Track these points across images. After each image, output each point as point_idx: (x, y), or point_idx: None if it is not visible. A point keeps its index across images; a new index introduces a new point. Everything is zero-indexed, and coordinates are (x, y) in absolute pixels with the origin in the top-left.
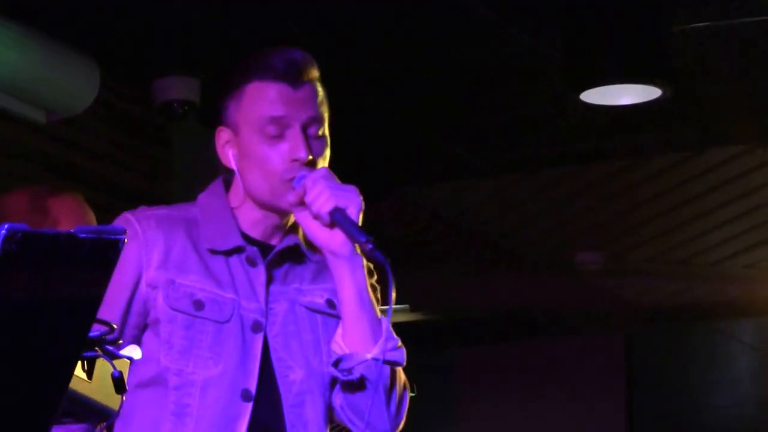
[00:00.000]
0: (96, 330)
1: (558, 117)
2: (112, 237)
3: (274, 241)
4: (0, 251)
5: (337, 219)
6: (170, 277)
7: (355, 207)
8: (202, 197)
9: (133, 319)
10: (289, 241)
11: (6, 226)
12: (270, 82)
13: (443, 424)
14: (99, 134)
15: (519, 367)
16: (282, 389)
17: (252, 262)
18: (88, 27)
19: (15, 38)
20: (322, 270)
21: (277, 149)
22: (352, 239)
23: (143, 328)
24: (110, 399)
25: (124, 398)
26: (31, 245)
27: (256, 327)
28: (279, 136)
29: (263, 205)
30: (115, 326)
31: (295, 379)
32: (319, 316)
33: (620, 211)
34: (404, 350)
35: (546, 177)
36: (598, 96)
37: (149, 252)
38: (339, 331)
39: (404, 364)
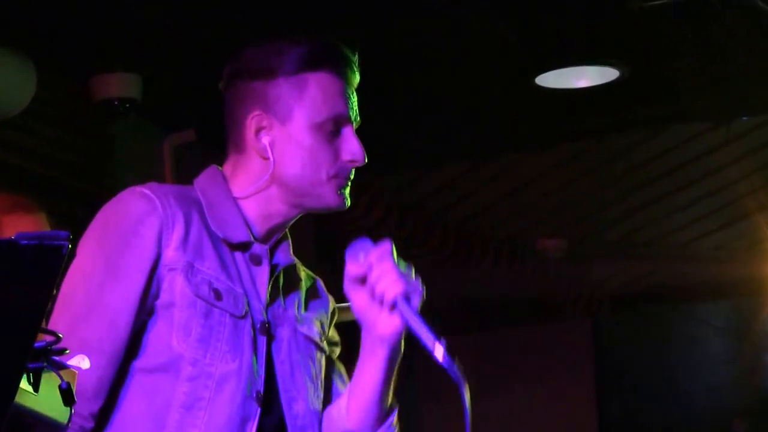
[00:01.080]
0: (41, 340)
1: (514, 101)
2: (55, 243)
3: (271, 241)
4: None
5: (401, 309)
6: (189, 260)
7: (419, 297)
8: (201, 182)
9: (145, 301)
10: (288, 257)
11: None
12: (335, 76)
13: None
14: (37, 134)
15: (485, 357)
16: (288, 420)
17: (257, 260)
18: (22, 24)
19: None
20: (311, 298)
21: (331, 145)
22: (420, 338)
23: (150, 311)
24: (58, 411)
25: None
26: None
27: (263, 328)
28: (335, 134)
29: (294, 198)
30: (60, 335)
31: (298, 412)
32: (314, 348)
33: (582, 195)
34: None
35: (504, 163)
36: (554, 79)
37: (169, 231)
38: (344, 402)
39: None
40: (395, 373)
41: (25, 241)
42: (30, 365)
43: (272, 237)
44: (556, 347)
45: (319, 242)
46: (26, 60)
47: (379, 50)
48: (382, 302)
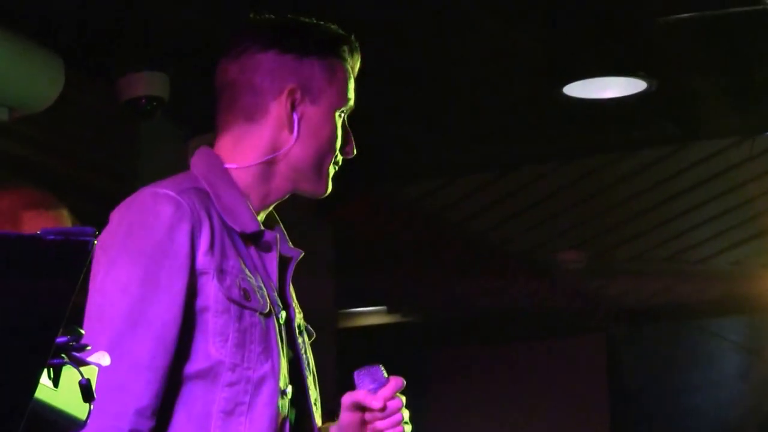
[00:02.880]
0: (63, 336)
1: (540, 112)
2: (81, 239)
3: (263, 219)
4: None
5: None
6: (218, 262)
7: None
8: (200, 169)
9: (187, 310)
10: (289, 248)
11: None
12: (350, 68)
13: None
14: (63, 132)
15: (500, 369)
16: (309, 405)
17: (267, 248)
18: (51, 22)
19: None
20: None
21: (337, 134)
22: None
23: (189, 317)
24: (77, 408)
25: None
26: None
27: (282, 319)
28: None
29: (295, 174)
30: (82, 332)
31: (314, 397)
32: (306, 330)
33: (602, 209)
34: None
35: (526, 174)
36: (581, 89)
37: (199, 233)
38: None
39: None
40: None
41: (51, 237)
42: (51, 361)
43: (264, 210)
44: (571, 361)
45: (338, 249)
46: (54, 57)
47: (405, 58)
48: None
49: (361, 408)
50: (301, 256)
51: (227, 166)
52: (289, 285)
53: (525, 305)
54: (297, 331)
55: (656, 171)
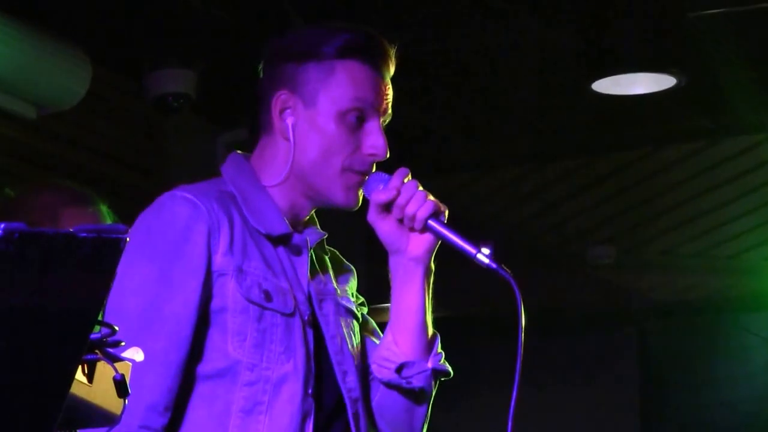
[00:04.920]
0: (97, 332)
1: (569, 107)
2: (114, 236)
3: (298, 228)
4: None
5: (435, 226)
6: (238, 263)
7: (444, 214)
8: (229, 173)
9: (201, 310)
10: (318, 233)
11: (2, 225)
12: (365, 66)
13: (453, 423)
14: (91, 129)
15: (531, 365)
16: (345, 395)
17: (297, 251)
18: (79, 19)
19: (4, 32)
20: (338, 270)
21: (353, 137)
22: (458, 249)
23: (205, 317)
24: (112, 403)
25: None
26: (29, 245)
27: (310, 321)
28: (358, 125)
29: (307, 188)
30: (116, 328)
31: (351, 385)
32: (353, 319)
33: (633, 204)
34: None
35: (556, 169)
36: (611, 85)
37: (217, 235)
38: (390, 337)
39: (451, 375)
40: (431, 296)
41: (84, 234)
42: (85, 357)
43: (298, 224)
44: (602, 356)
45: (369, 244)
46: (81, 54)
47: (437, 53)
48: (413, 224)
49: (386, 209)
50: (321, 237)
51: (264, 184)
52: (330, 277)
53: (556, 301)
54: (340, 321)
55: (688, 166)
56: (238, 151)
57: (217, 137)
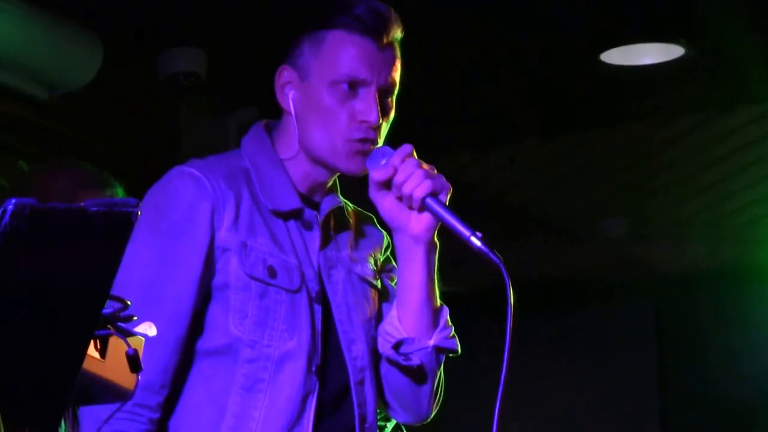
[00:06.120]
0: (109, 307)
1: (578, 78)
2: (125, 210)
3: (316, 198)
4: (7, 228)
5: (432, 206)
6: (242, 239)
7: (446, 192)
8: (248, 147)
9: (202, 287)
10: (334, 201)
11: (13, 201)
12: (356, 35)
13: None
14: (102, 109)
15: (546, 338)
16: (348, 364)
17: (308, 226)
18: (89, 0)
19: (16, 13)
20: (361, 237)
21: (346, 106)
22: (453, 231)
23: (207, 294)
24: (125, 378)
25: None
26: (41, 221)
27: (318, 297)
28: (352, 94)
29: (317, 160)
30: (128, 302)
31: (357, 354)
32: (368, 287)
33: (645, 175)
34: (457, 338)
35: (567, 141)
36: (619, 56)
37: (221, 211)
38: (394, 312)
39: (459, 352)
40: (436, 272)
41: (95, 208)
42: (98, 332)
43: (316, 194)
44: (618, 328)
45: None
46: (92, 35)
47: (442, 27)
48: (411, 203)
49: (385, 186)
50: (337, 206)
51: (281, 157)
52: (347, 244)
53: (570, 273)
54: (349, 289)
55: (698, 136)
56: (264, 120)
57: (229, 116)
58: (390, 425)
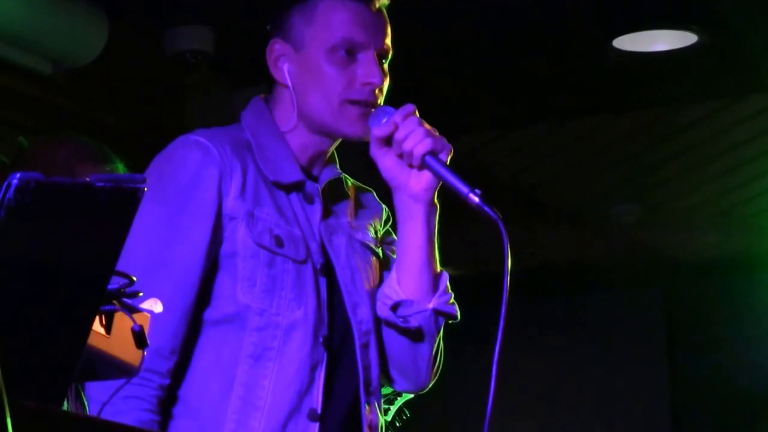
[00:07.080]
0: (115, 282)
1: (591, 64)
2: (131, 186)
3: (315, 170)
4: (12, 202)
5: (431, 163)
6: (249, 208)
7: (447, 152)
8: (248, 120)
9: (210, 254)
10: (333, 172)
11: (18, 175)
12: (347, 1)
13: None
14: (108, 86)
15: (556, 323)
16: (354, 327)
17: (310, 199)
18: None
19: None
20: (360, 207)
21: (347, 71)
22: (452, 188)
23: (215, 262)
24: (130, 354)
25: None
26: (46, 196)
27: (323, 269)
28: (350, 59)
29: (318, 128)
30: (134, 278)
31: (362, 317)
32: (370, 253)
33: (657, 162)
34: (456, 305)
35: (579, 127)
36: (631, 42)
37: (228, 179)
38: (394, 275)
39: (458, 318)
40: (436, 233)
41: (101, 184)
42: (103, 307)
43: (315, 165)
44: (628, 315)
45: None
46: (98, 10)
47: (457, 10)
48: (411, 160)
49: (386, 143)
50: (336, 177)
51: (282, 130)
52: (347, 212)
53: (581, 259)
54: (352, 254)
55: (711, 124)
56: (263, 95)
57: (236, 94)
58: (393, 409)
